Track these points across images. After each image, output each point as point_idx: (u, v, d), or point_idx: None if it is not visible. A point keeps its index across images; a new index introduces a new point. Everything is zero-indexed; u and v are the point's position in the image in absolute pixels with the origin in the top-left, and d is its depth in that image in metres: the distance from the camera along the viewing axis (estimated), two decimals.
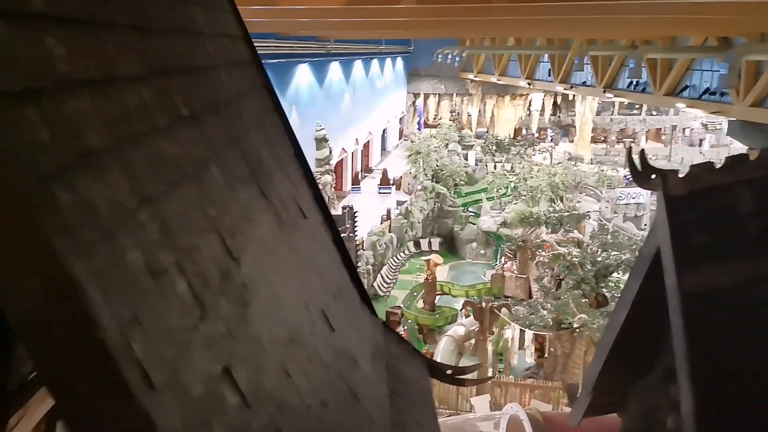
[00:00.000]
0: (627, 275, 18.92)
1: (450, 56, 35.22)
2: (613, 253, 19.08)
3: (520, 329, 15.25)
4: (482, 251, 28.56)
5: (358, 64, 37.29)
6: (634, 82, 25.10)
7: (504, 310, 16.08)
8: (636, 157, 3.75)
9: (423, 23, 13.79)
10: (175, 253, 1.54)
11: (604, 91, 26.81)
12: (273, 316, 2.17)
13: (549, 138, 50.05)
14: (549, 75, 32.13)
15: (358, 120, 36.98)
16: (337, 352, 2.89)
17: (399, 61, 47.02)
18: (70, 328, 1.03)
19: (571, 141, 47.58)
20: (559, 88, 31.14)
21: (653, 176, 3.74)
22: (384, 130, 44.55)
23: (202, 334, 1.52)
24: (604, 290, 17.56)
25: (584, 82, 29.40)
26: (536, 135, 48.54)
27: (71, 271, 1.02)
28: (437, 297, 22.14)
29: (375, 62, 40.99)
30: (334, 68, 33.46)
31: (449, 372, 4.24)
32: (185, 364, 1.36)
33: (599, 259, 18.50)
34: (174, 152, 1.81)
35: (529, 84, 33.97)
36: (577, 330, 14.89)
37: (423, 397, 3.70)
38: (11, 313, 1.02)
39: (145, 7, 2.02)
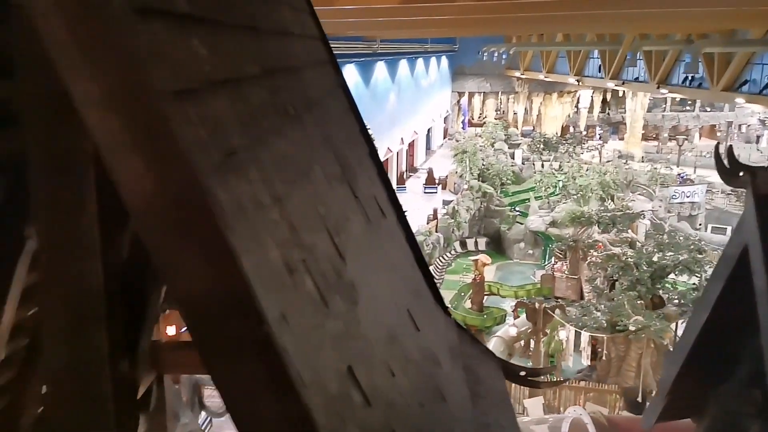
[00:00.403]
0: (684, 276, 18.46)
1: (496, 54, 34.92)
2: (669, 253, 18.57)
3: (576, 331, 14.98)
4: (530, 251, 28.20)
5: (403, 64, 37.29)
6: (690, 78, 24.42)
7: (558, 311, 15.82)
8: (723, 154, 3.62)
9: (475, 20, 13.69)
10: (301, 251, 1.55)
11: (658, 87, 26.16)
12: (375, 315, 2.17)
13: (597, 136, 49.05)
14: (599, 71, 31.56)
15: (404, 119, 36.98)
16: (424, 351, 2.87)
17: (444, 59, 46.85)
18: (238, 323, 1.04)
19: (621, 138, 46.59)
20: (610, 85, 30.52)
21: (741, 174, 3.60)
22: (429, 130, 44.43)
23: (329, 332, 1.52)
24: (660, 292, 17.10)
25: (636, 78, 28.78)
26: (584, 133, 47.61)
27: (242, 267, 1.03)
28: (485, 297, 21.96)
29: (420, 61, 40.91)
30: (380, 68, 33.54)
31: (523, 373, 4.18)
32: (322, 363, 1.37)
33: (655, 259, 18.03)
34: (289, 151, 1.82)
35: (578, 81, 33.42)
36: (635, 332, 14.53)
37: (501, 399, 3.66)
38: (183, 306, 1.03)
39: (253, 8, 2.05)
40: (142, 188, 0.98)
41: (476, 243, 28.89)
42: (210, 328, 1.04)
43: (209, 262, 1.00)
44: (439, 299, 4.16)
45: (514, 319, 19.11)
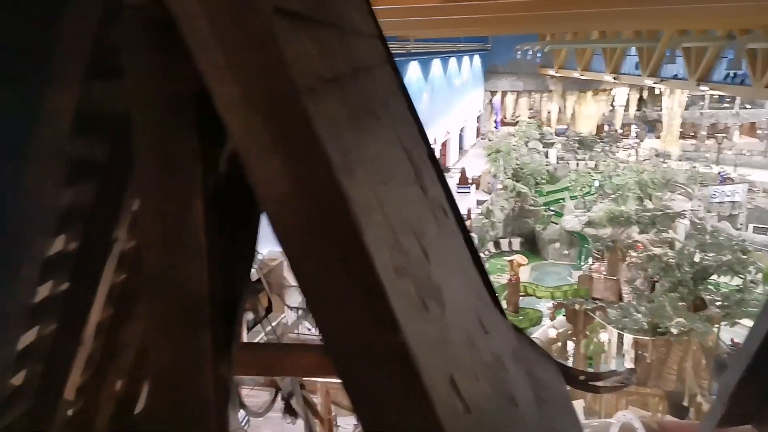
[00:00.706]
0: (727, 278, 18.01)
1: (530, 52, 34.55)
2: (711, 254, 18.16)
3: (618, 333, 14.72)
4: (565, 251, 27.83)
5: (436, 63, 37.15)
6: (732, 74, 23.83)
7: (599, 313, 15.56)
8: None
9: (514, 18, 13.55)
10: (402, 255, 1.51)
11: (698, 85, 25.56)
12: (456, 318, 2.13)
13: (633, 134, 48.16)
14: (636, 68, 30.98)
15: (437, 119, 36.81)
16: (493, 355, 2.82)
17: (476, 58, 46.55)
18: (374, 330, 1.01)
19: (658, 137, 45.67)
20: (648, 82, 29.92)
21: None
22: (461, 129, 44.17)
23: (432, 338, 1.49)
24: (702, 293, 16.71)
25: (675, 75, 28.17)
26: (620, 131, 46.80)
27: (377, 272, 1.00)
28: (520, 298, 21.73)
29: (453, 61, 40.71)
30: (413, 68, 33.46)
31: (582, 378, 4.09)
32: (433, 370, 1.33)
33: (696, 260, 17.63)
34: (378, 152, 1.79)
35: (614, 79, 32.85)
36: (680, 335, 14.21)
37: (565, 404, 3.58)
38: (318, 310, 1.01)
39: (337, 6, 2.03)
40: (282, 189, 0.96)
41: (510, 243, 28.63)
42: (344, 334, 1.01)
43: (347, 267, 0.98)
44: (496, 301, 4.09)
45: (551, 320, 18.87)
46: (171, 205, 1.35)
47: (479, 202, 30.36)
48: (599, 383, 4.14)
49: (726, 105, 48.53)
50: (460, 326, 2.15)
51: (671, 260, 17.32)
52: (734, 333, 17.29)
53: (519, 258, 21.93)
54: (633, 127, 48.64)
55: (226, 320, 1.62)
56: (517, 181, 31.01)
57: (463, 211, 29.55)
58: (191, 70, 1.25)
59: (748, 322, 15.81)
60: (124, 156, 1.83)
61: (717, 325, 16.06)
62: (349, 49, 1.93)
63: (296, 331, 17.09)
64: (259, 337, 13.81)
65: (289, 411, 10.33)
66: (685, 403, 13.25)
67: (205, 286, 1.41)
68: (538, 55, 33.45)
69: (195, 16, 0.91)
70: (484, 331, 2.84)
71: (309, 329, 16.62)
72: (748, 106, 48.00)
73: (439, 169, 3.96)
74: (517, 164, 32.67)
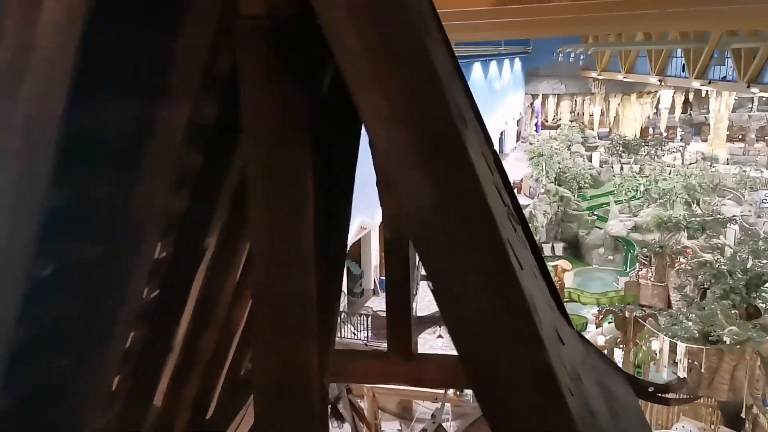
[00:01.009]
0: None
1: (572, 54, 34.06)
2: (764, 260, 17.59)
3: (670, 341, 14.33)
4: (610, 257, 27.28)
5: (476, 67, 36.96)
6: None
7: (650, 320, 15.19)
8: None
9: (564, 20, 13.37)
10: None
11: (748, 86, 24.81)
12: (546, 332, 2.08)
13: (678, 137, 47.01)
14: (683, 71, 30.25)
15: None
16: (571, 367, 2.76)
17: (517, 61, 46.15)
18: (520, 348, 0.98)
19: (704, 140, 44.47)
20: (695, 84, 29.16)
21: None
22: (501, 133, 43.82)
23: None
24: (758, 302, 16.16)
25: (724, 77, 27.41)
26: (665, 134, 45.74)
27: (522, 288, 0.97)
28: (564, 304, 21.36)
29: (493, 64, 40.44)
30: None
31: (651, 389, 3.97)
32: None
33: (749, 266, 17.09)
34: (472, 159, 1.76)
35: (660, 81, 32.13)
36: (735, 345, 13.76)
37: (638, 416, 3.48)
38: (461, 327, 0.98)
39: (423, 12, 2.00)
40: (427, 202, 0.93)
41: (553, 248, 28.20)
42: (487, 349, 0.98)
43: (494, 282, 0.95)
44: (562, 309, 4.01)
45: (596, 326, 18.51)
46: (283, 215, 1.34)
47: (522, 207, 30.02)
48: (669, 395, 4.01)
49: None
50: (550, 340, 2.10)
51: (723, 267, 16.80)
52: None
53: (563, 263, 21.59)
54: (678, 130, 47.48)
55: (327, 329, 1.61)
56: (559, 186, 30.59)
57: None
58: (306, 80, 1.25)
59: None
60: (217, 165, 1.83)
61: None
62: (438, 56, 1.91)
63: (339, 335, 17.17)
64: None
65: (336, 415, 10.34)
66: (743, 415, 12.81)
67: (314, 294, 1.39)
68: (581, 57, 32.95)
69: (345, 27, 0.89)
70: (561, 342, 2.77)
71: (354, 333, 16.67)
72: None
73: (505, 176, 3.90)
74: (559, 168, 32.24)
